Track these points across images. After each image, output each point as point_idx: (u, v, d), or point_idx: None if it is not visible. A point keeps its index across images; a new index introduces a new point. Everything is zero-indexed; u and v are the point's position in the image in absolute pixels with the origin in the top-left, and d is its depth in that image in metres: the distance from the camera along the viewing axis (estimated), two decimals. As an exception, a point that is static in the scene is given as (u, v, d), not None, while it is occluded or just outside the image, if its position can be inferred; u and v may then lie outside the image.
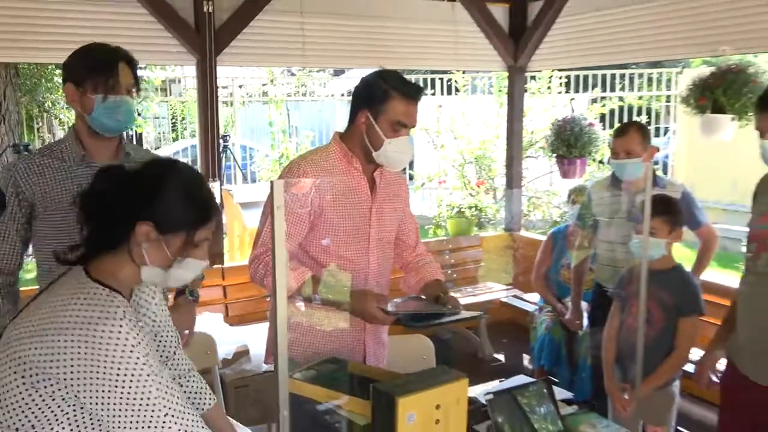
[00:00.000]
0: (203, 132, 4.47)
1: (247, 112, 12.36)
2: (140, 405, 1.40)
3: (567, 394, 3.14)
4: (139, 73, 2.16)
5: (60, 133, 10.16)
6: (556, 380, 3.96)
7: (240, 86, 12.13)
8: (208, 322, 4.15)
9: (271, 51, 4.64)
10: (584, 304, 3.87)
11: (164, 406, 1.42)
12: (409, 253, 2.47)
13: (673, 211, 2.72)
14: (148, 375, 1.41)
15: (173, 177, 1.51)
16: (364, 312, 2.11)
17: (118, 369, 1.38)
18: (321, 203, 2.18)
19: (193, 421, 1.47)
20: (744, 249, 2.34)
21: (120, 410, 1.40)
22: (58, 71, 9.14)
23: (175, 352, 1.78)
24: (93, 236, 1.52)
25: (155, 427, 1.41)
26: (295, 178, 2.18)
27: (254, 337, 4.02)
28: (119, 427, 1.41)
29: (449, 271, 5.51)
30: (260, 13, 4.46)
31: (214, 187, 4.32)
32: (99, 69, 2.02)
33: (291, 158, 3.61)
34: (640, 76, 9.78)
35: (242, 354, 3.93)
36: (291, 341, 2.27)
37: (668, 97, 10.01)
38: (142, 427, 1.41)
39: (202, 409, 1.82)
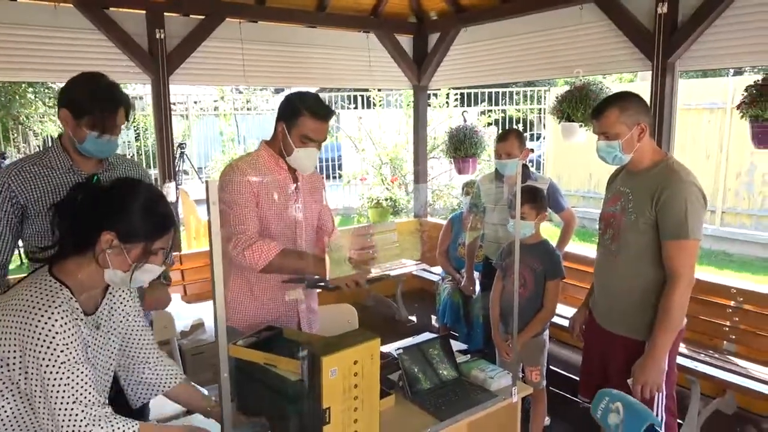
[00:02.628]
0: (159, 141, 4.28)
1: (201, 124, 12.00)
2: (51, 387, 1.33)
3: (462, 346, 3.20)
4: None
5: (34, 143, 9.53)
6: (456, 335, 4.03)
7: (195, 102, 11.76)
8: (168, 301, 3.99)
9: (216, 72, 4.47)
10: (477, 274, 3.94)
11: (72, 394, 1.35)
12: (327, 238, 2.44)
13: (538, 199, 2.79)
14: (62, 363, 1.33)
15: (136, 195, 1.46)
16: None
17: (39, 351, 1.31)
18: (258, 196, 2.14)
19: (99, 414, 1.39)
20: (597, 227, 2.43)
21: (35, 389, 1.33)
22: (30, 89, 8.55)
23: (145, 345, 1.70)
24: (63, 239, 1.46)
25: (62, 410, 1.34)
26: (238, 177, 2.12)
27: (208, 312, 3.89)
28: (37, 406, 1.34)
29: (371, 251, 5.49)
30: (206, 40, 4.30)
31: (170, 187, 4.15)
32: (101, 111, 1.84)
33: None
34: (518, 93, 10.05)
35: (198, 326, 3.81)
36: (236, 314, 2.21)
37: (540, 109, 10.35)
38: (52, 409, 1.33)
39: (169, 387, 1.74)
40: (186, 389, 1.78)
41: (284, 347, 1.80)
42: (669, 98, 3.63)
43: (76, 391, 1.35)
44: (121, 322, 1.64)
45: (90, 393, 1.38)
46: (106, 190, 1.47)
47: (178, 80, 4.31)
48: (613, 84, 9.30)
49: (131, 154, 10.81)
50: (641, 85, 8.49)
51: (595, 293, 2.42)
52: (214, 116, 11.48)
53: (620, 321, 2.24)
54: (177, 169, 6.10)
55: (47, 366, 1.32)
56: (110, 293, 1.60)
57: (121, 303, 1.64)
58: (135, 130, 11.12)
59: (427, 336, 2.71)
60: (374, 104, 8.23)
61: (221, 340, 1.30)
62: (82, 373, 1.37)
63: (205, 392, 1.87)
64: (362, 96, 9.98)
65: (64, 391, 1.33)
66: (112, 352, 1.62)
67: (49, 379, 1.32)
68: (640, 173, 2.18)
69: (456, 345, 2.38)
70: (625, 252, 2.19)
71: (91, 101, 1.84)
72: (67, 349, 1.34)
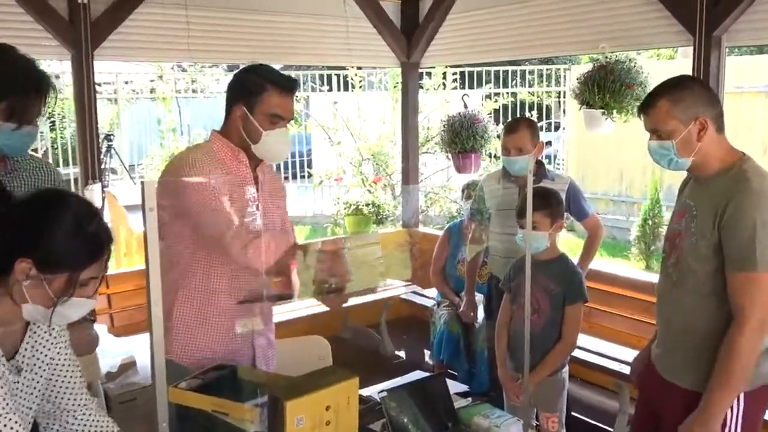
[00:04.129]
0: (81, 131, 4.27)
1: (134, 110, 11.94)
2: None
3: (462, 388, 3.23)
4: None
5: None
6: (455, 373, 4.04)
7: (126, 82, 11.69)
8: (91, 333, 3.96)
9: (153, 45, 4.48)
10: (480, 297, 3.96)
11: None
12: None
13: (552, 204, 2.83)
14: None
15: (59, 212, 1.44)
16: None
17: None
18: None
19: None
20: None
21: None
22: None
23: (72, 390, 1.69)
24: None
25: None
26: (197, 170, 2.12)
27: (142, 348, 3.87)
28: None
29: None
30: (140, 5, 4.30)
31: (94, 189, 4.13)
32: (21, 97, 1.76)
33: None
34: (531, 72, 10.16)
35: (129, 366, 3.77)
36: (179, 346, 2.21)
37: (559, 92, 10.47)
38: None
39: None
40: None
41: (238, 390, 1.81)
42: (715, 79, 3.69)
43: None
44: (45, 363, 1.64)
45: None
46: (20, 206, 1.46)
47: (106, 55, 4.31)
48: (648, 61, 9.45)
49: (45, 149, 10.72)
50: (683, 62, 8.61)
51: (657, 331, 2.36)
52: (150, 100, 11.41)
53: (681, 369, 2.17)
54: (103, 166, 6.09)
55: None
56: (32, 330, 1.60)
57: (46, 341, 1.63)
58: (50, 119, 11.03)
59: (418, 375, 2.73)
60: (353, 86, 8.27)
61: (159, 381, 1.31)
62: (16, 423, 1.38)
63: None
64: (338, 76, 10.03)
65: None
66: (35, 399, 1.62)
67: None
68: (707, 181, 2.11)
69: (454, 386, 2.39)
70: (686, 283, 2.12)
71: (9, 83, 1.77)
72: None
